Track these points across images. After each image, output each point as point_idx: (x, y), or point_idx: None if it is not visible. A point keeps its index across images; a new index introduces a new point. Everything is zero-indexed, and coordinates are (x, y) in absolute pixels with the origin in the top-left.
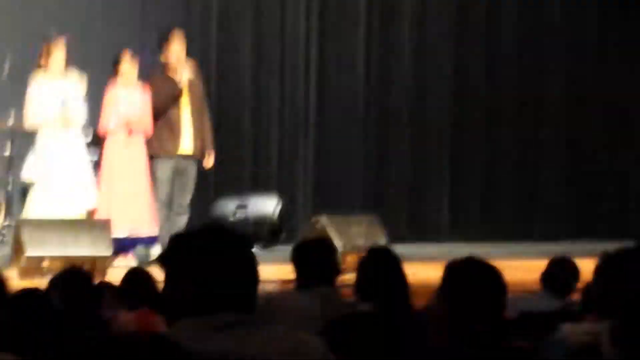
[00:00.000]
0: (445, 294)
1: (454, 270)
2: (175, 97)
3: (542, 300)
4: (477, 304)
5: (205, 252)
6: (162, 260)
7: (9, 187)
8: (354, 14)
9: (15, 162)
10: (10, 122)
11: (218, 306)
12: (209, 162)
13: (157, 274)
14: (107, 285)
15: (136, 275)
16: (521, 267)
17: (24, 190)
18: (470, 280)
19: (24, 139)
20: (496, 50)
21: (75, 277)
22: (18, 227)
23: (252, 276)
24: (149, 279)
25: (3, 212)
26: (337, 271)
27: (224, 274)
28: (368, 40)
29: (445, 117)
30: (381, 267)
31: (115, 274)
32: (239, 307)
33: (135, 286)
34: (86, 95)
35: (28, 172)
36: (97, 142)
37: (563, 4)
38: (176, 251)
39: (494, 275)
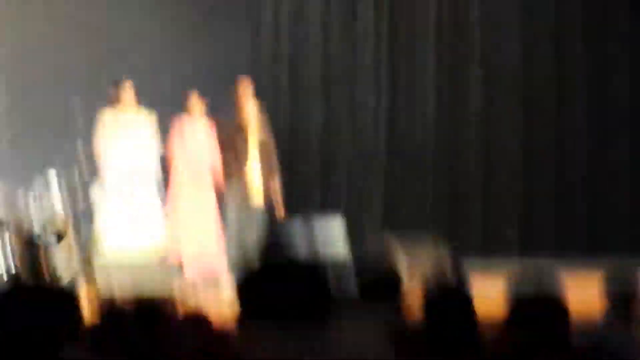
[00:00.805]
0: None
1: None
2: (242, 130)
3: None
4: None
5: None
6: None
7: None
8: (423, 54)
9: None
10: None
11: None
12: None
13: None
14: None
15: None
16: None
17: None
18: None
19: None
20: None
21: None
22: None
23: None
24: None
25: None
26: None
27: None
28: (437, 79)
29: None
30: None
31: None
32: None
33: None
34: (156, 130)
35: (96, 195)
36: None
37: None
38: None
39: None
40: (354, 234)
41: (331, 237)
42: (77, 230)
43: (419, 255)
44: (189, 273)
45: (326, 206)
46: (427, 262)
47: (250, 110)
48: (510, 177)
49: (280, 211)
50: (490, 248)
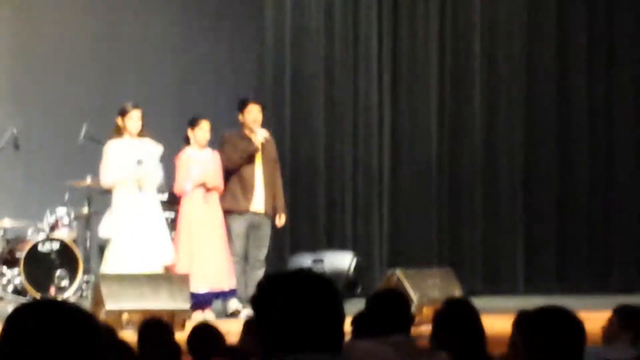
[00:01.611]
0: (521, 342)
1: (529, 318)
2: (250, 154)
3: (620, 350)
4: (554, 353)
5: (295, 292)
6: (253, 302)
7: (87, 244)
8: (426, 77)
9: (92, 220)
10: (88, 181)
11: (307, 346)
12: (280, 222)
13: (227, 327)
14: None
15: (204, 330)
16: (597, 319)
17: (101, 248)
18: (547, 328)
19: (101, 198)
20: (566, 109)
21: (155, 329)
22: (97, 281)
23: (339, 315)
24: (216, 333)
25: (81, 268)
26: (411, 321)
27: (314, 313)
28: (440, 102)
29: (518, 173)
30: (458, 317)
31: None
32: (327, 347)
33: (204, 340)
34: (161, 159)
35: (105, 229)
36: (172, 201)
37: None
38: (266, 292)
39: (573, 322)
40: (363, 269)
41: (341, 269)
42: (87, 258)
43: (429, 287)
44: (197, 287)
45: (333, 243)
46: (437, 293)
47: (260, 135)
48: (512, 206)
49: (282, 222)
50: (494, 284)
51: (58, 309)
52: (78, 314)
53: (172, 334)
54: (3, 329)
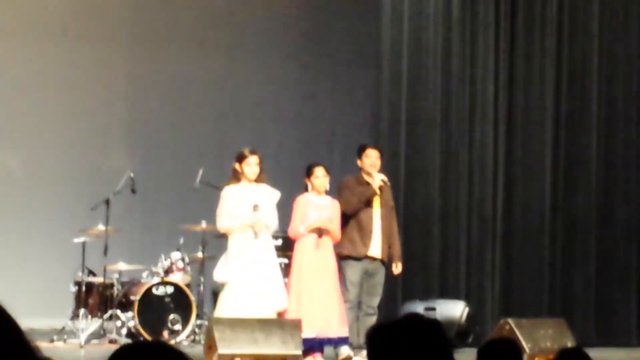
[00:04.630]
0: None
1: None
2: (368, 198)
3: None
4: None
5: (407, 338)
6: (367, 349)
7: (201, 288)
8: (541, 120)
9: (206, 264)
10: (203, 226)
11: None
12: (397, 270)
13: None
14: None
15: None
16: None
17: (215, 292)
18: None
19: (215, 242)
20: None
21: None
22: (210, 325)
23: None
24: None
25: (195, 312)
26: None
27: (425, 358)
28: (555, 145)
29: (634, 222)
30: None
31: None
32: None
33: None
34: (278, 204)
35: (219, 274)
36: (287, 246)
37: None
38: (379, 338)
39: None
40: (475, 318)
41: (453, 318)
42: (200, 303)
43: (541, 337)
44: (304, 332)
45: (446, 291)
46: (549, 343)
47: (378, 179)
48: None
49: (399, 270)
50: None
51: (158, 352)
52: (176, 357)
53: None
54: None
